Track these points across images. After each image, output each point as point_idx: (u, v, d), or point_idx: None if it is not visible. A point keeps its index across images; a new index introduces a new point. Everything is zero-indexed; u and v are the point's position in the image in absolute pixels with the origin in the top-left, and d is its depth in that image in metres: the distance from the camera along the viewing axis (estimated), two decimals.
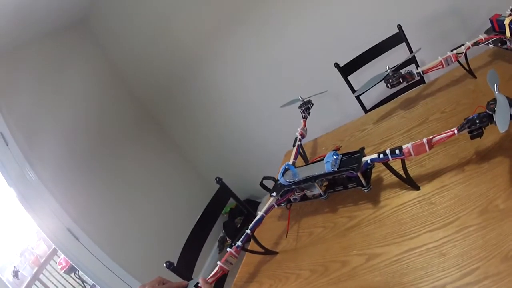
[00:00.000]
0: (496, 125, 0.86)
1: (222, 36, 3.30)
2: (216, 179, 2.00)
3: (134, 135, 3.81)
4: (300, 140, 1.65)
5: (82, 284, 5.27)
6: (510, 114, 0.82)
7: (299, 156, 1.63)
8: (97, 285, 3.08)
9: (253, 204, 3.87)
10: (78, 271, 5.04)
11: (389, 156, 1.06)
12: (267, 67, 3.32)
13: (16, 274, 5.24)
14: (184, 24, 3.38)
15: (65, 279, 5.22)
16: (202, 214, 1.91)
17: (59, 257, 5.13)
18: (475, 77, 1.48)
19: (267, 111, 3.52)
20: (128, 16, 3.54)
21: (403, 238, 1.02)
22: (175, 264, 1.53)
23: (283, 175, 1.31)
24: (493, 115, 0.87)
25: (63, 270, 5.00)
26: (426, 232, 0.98)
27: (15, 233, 5.72)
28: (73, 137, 3.20)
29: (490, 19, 1.39)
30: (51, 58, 3.31)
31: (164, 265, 1.51)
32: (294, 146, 1.63)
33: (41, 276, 5.09)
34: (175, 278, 1.53)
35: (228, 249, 1.22)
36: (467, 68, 1.50)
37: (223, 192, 2.03)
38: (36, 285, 4.98)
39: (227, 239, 3.83)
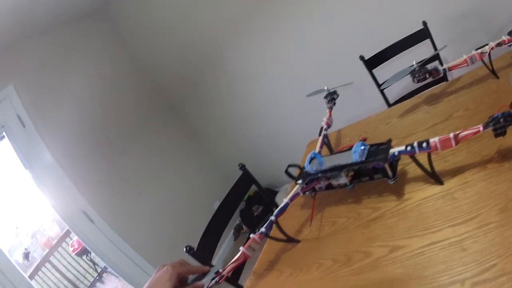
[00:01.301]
0: None
1: (245, 23, 3.31)
2: (239, 165, 2.01)
3: (152, 120, 3.84)
4: (325, 130, 1.64)
5: (94, 267, 5.33)
6: None
7: (324, 146, 1.62)
8: (109, 268, 3.10)
9: (271, 193, 3.89)
10: (90, 254, 5.10)
11: (416, 149, 1.07)
12: (291, 57, 3.32)
13: (26, 256, 5.30)
14: (206, 12, 3.38)
15: (76, 261, 5.28)
16: (223, 199, 1.92)
17: (72, 239, 5.19)
18: (498, 78, 1.47)
19: (288, 101, 3.53)
20: (148, 3, 3.55)
21: (426, 231, 1.02)
22: (195, 249, 1.53)
23: (309, 163, 1.31)
24: None
25: (75, 253, 5.05)
26: (449, 227, 0.98)
27: (27, 215, 5.78)
28: (90, 121, 3.23)
29: None
30: (69, 43, 3.34)
31: (184, 249, 1.51)
32: (319, 135, 1.63)
33: (51, 258, 5.13)
34: (194, 263, 1.55)
35: (251, 235, 1.22)
36: (490, 68, 1.48)
37: (246, 179, 2.03)
38: (46, 267, 5.02)
39: (243, 227, 3.84)
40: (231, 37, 3.43)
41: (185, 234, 3.27)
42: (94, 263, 5.31)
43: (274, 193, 3.90)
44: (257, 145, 3.98)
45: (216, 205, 3.63)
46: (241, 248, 1.20)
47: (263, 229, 1.23)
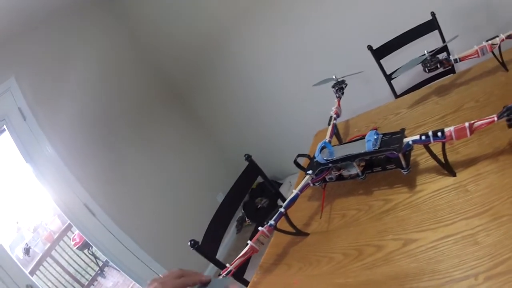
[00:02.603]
0: None
1: (255, 11, 3.29)
2: (245, 156, 1.98)
3: (156, 110, 3.81)
4: (335, 119, 1.62)
5: (95, 261, 5.32)
6: None
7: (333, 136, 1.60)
8: (111, 262, 3.09)
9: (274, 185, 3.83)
10: (92, 248, 5.09)
11: (431, 138, 1.04)
12: (299, 47, 3.30)
13: (27, 251, 5.29)
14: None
15: (77, 255, 5.27)
16: (229, 191, 1.90)
17: (73, 233, 5.18)
18: (507, 70, 1.46)
19: (295, 90, 3.52)
20: None
21: (439, 224, 1.00)
22: (199, 243, 1.50)
23: (320, 152, 1.28)
24: None
25: (76, 246, 5.05)
26: (462, 220, 0.97)
27: (29, 209, 5.78)
28: (92, 112, 3.21)
29: None
30: (73, 32, 3.32)
31: (189, 243, 1.47)
32: (329, 125, 1.60)
33: (53, 252, 5.12)
34: (197, 257, 1.52)
35: (259, 228, 1.20)
36: (500, 60, 1.47)
37: (252, 170, 2.01)
38: (47, 261, 5.01)
39: (246, 219, 3.83)
40: (240, 25, 3.41)
41: (187, 226, 3.26)
42: (96, 257, 5.31)
43: (278, 185, 3.90)
44: (261, 136, 3.98)
45: (219, 198, 3.62)
46: (249, 242, 1.18)
47: (272, 222, 1.21)
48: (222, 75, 3.79)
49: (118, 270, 4.19)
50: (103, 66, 3.46)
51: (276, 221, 1.22)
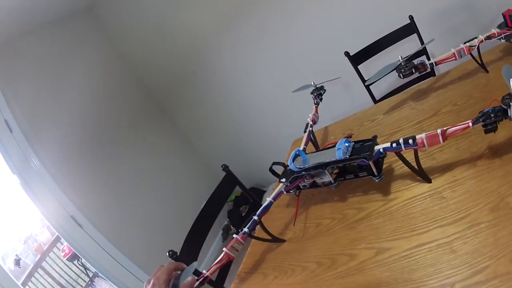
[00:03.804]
0: (511, 120, 0.87)
1: (232, 22, 3.30)
2: (222, 166, 1.98)
3: (139, 122, 3.80)
4: (311, 126, 1.64)
5: (85, 271, 5.31)
6: None
7: (309, 143, 1.61)
8: (99, 273, 3.08)
9: (258, 193, 3.88)
10: (81, 259, 5.07)
11: (402, 145, 1.05)
12: (277, 55, 3.32)
13: (17, 262, 5.26)
14: (194, 12, 3.38)
15: (68, 266, 5.26)
16: (207, 201, 1.89)
17: (62, 244, 5.16)
18: (487, 71, 1.46)
19: (275, 100, 3.54)
20: (136, 3, 3.53)
21: (413, 232, 1.00)
22: (178, 253, 1.51)
23: (293, 161, 1.30)
24: (508, 109, 0.87)
25: (66, 258, 5.03)
26: (437, 227, 0.96)
27: (18, 220, 5.75)
28: (78, 124, 3.20)
29: (503, 14, 1.39)
30: (57, 45, 3.30)
31: (167, 254, 1.48)
32: (305, 132, 1.62)
33: (43, 264, 5.11)
34: None
35: (234, 236, 1.21)
36: (480, 62, 1.48)
37: (229, 180, 2.01)
38: (38, 273, 5.00)
39: (232, 227, 3.84)
40: (219, 36, 3.43)
41: (174, 236, 3.23)
42: (86, 268, 5.29)
43: (262, 192, 3.90)
44: (244, 144, 3.99)
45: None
46: (224, 249, 1.19)
47: (246, 229, 1.22)
48: (203, 86, 3.81)
49: (107, 281, 4.19)
50: (88, 78, 3.45)
51: (250, 228, 1.23)
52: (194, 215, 1.79)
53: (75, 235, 2.89)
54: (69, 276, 5.26)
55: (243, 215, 3.62)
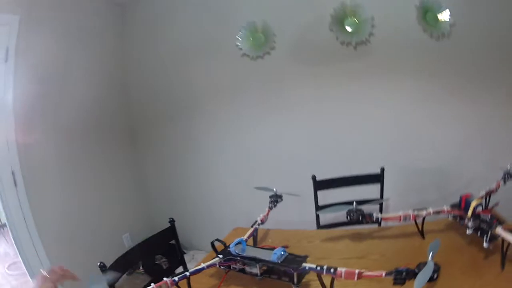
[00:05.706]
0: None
1: (218, 102, 3.64)
2: (169, 219, 2.17)
3: (107, 140, 3.82)
4: (258, 225, 1.87)
5: None
6: (429, 278, 0.99)
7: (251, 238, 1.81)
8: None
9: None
10: None
11: (324, 271, 1.27)
12: (251, 150, 3.61)
13: None
14: (196, 72, 3.68)
15: None
16: (143, 242, 2.02)
17: None
18: (423, 238, 1.69)
19: (236, 184, 3.70)
20: (161, 33, 3.81)
21: None
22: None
23: (235, 245, 1.54)
24: (417, 274, 1.02)
25: None
26: None
27: None
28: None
29: (461, 196, 1.59)
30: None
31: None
32: (252, 226, 1.85)
33: None
34: None
35: (165, 278, 1.35)
36: (420, 229, 1.72)
37: (169, 233, 2.17)
38: None
39: (141, 267, 3.75)
40: (206, 102, 3.71)
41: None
42: None
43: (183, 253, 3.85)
44: (192, 203, 4.03)
45: (125, 238, 3.58)
46: (153, 285, 1.30)
47: (176, 278, 1.38)
48: (175, 137, 3.96)
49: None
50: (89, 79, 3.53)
51: (180, 279, 1.39)
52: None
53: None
54: None
55: (156, 263, 3.60)
